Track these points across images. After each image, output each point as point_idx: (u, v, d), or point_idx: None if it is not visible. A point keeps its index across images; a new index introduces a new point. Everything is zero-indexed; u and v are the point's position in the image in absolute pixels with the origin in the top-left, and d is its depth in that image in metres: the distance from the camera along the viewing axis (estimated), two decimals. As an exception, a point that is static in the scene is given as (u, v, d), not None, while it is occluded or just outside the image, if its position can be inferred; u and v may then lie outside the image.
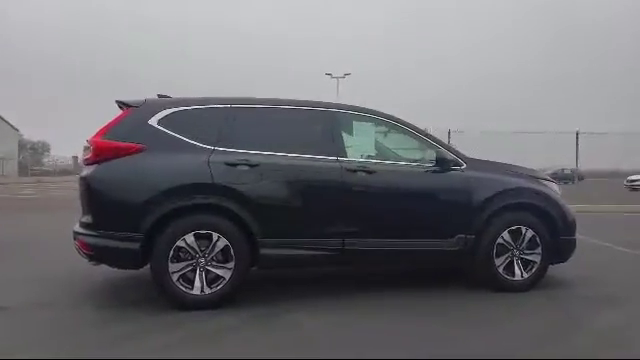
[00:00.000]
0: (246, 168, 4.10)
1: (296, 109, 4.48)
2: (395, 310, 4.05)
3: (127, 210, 3.93)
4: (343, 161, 4.34)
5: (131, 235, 3.89)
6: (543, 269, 4.67)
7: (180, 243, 3.93)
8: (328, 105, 4.56)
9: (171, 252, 3.91)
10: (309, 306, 4.08)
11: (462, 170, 4.60)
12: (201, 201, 4.01)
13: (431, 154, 4.62)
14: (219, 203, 4.02)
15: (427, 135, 4.74)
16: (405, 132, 4.69)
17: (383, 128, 4.74)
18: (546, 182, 5.00)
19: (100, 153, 3.99)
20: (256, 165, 4.13)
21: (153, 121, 4.13)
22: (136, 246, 3.89)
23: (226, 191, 4.03)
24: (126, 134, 4.07)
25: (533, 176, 4.95)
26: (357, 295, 4.44)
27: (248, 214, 4.05)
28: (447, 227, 4.50)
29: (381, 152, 4.75)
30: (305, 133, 4.48)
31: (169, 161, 4.04)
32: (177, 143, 4.10)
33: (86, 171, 4.06)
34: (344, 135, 4.49)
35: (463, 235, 4.50)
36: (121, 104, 4.32)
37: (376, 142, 4.76)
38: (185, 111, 4.24)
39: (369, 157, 4.58)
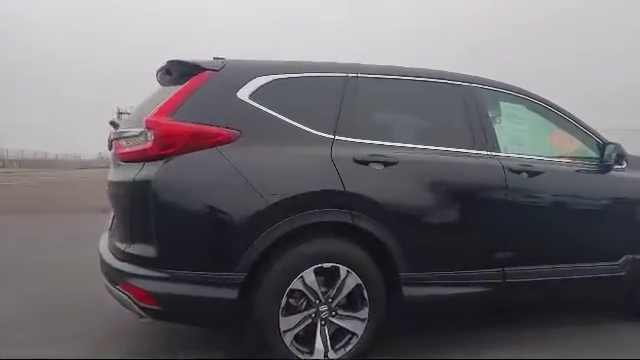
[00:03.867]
0: (380, 167, 2.74)
1: (433, 82, 3.13)
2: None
3: (218, 235, 2.46)
4: (501, 158, 3.09)
5: (225, 276, 2.44)
6: None
7: (296, 284, 2.54)
8: (468, 78, 3.24)
9: (283, 300, 2.51)
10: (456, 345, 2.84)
11: (624, 169, 3.49)
12: (327, 218, 2.61)
13: (591, 148, 3.48)
14: (351, 221, 2.64)
15: (585, 125, 3.56)
16: (562, 120, 3.49)
17: (534, 113, 3.49)
18: None
19: (170, 142, 2.46)
20: (394, 163, 2.77)
21: (243, 94, 2.64)
22: (233, 294, 2.44)
23: (359, 202, 2.65)
24: (205, 113, 2.57)
25: None
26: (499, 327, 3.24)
27: (389, 237, 2.70)
28: (615, 246, 3.40)
29: (540, 145, 3.50)
30: (447, 116, 3.17)
31: (276, 157, 2.59)
32: (281, 128, 2.66)
33: (137, 171, 2.52)
34: (493, 121, 3.23)
35: (631, 256, 3.41)
36: (183, 66, 2.78)
37: (531, 131, 3.51)
38: (287, 81, 2.78)
39: (528, 153, 3.30)
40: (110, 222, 2.97)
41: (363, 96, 2.89)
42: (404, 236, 2.73)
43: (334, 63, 2.97)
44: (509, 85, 3.38)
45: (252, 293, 2.48)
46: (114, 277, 2.58)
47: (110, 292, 2.66)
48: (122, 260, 2.54)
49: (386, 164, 2.75)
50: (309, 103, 2.79)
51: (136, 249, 2.49)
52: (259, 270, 2.48)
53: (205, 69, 2.65)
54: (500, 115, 3.29)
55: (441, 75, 3.16)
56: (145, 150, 2.50)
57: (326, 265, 2.59)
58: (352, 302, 2.68)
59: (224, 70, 2.68)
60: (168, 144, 2.45)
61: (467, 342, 3.13)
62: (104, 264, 2.75)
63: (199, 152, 2.47)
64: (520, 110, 3.40)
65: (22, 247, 6.23)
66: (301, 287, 2.55)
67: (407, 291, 2.76)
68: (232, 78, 2.67)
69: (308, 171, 2.62)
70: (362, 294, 2.67)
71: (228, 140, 2.52)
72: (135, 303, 2.45)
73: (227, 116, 2.58)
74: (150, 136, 2.48)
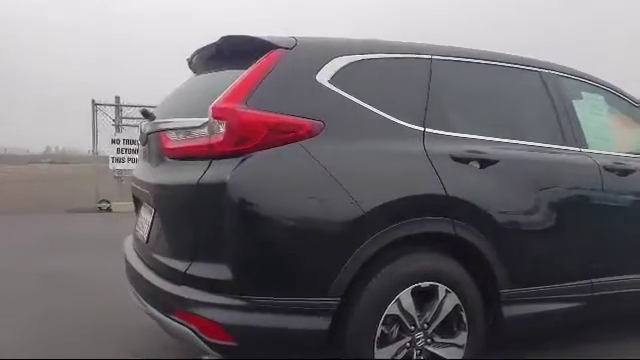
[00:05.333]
0: (477, 166, 2.34)
1: (517, 69, 2.72)
2: None
3: (309, 251, 1.98)
4: (593, 155, 2.74)
5: (318, 302, 1.96)
6: None
7: (392, 309, 2.10)
8: (549, 65, 2.86)
9: (379, 328, 2.06)
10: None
11: None
12: (427, 228, 2.17)
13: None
14: (452, 232, 2.21)
15: None
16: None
17: (613, 104, 3.13)
18: None
19: (247, 136, 1.95)
20: (494, 162, 2.37)
21: (322, 78, 2.16)
22: (325, 324, 1.98)
23: (461, 209, 2.23)
24: (283, 100, 2.07)
25: None
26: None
27: (490, 248, 2.29)
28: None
29: (623, 140, 3.14)
30: (535, 107, 2.77)
31: (366, 154, 2.13)
32: (366, 119, 2.19)
33: (202, 171, 1.99)
34: (577, 113, 2.86)
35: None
36: (245, 43, 2.28)
37: (613, 125, 3.16)
38: (367, 63, 2.30)
39: (614, 149, 2.94)
40: (145, 231, 2.43)
41: (449, 81, 2.47)
42: (504, 247, 2.33)
43: (412, 43, 2.52)
44: (587, 74, 3.03)
45: (342, 322, 2.02)
46: (166, 304, 2.06)
47: (158, 321, 2.14)
48: (179, 283, 2.01)
49: (485, 163, 2.34)
50: (393, 89, 2.34)
51: (202, 270, 1.97)
52: (351, 294, 2.02)
53: (277, 47, 2.16)
54: (582, 107, 2.92)
55: (526, 61, 2.76)
56: (212, 145, 1.99)
57: (424, 284, 2.17)
58: (448, 326, 2.26)
59: (297, 49, 2.18)
60: (245, 138, 1.95)
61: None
62: (145, 284, 2.23)
63: (279, 149, 1.98)
64: (600, 101, 3.05)
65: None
66: (397, 312, 2.11)
67: (507, 310, 2.37)
68: (308, 59, 2.19)
69: (404, 171, 2.18)
70: (460, 316, 2.26)
71: (310, 133, 2.03)
72: (200, 337, 1.93)
73: (307, 104, 2.10)
74: (220, 128, 1.97)
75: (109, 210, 9.72)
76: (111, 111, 10.13)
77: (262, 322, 1.92)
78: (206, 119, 2.02)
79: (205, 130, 2.02)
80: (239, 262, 1.92)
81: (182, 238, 2.09)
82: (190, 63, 2.87)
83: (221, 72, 2.38)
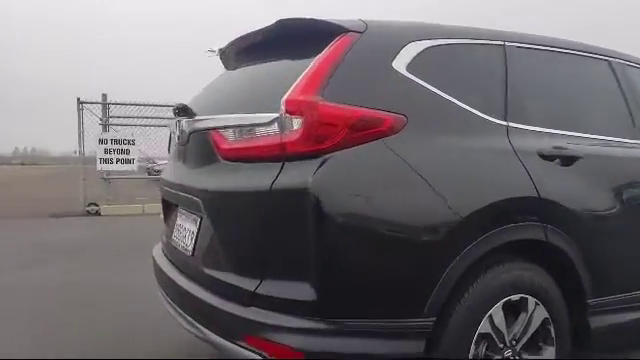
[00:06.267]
0: (561, 164, 2.12)
1: (588, 57, 2.51)
2: None
3: (404, 265, 1.72)
4: None
5: (413, 324, 1.71)
6: None
7: (484, 326, 1.86)
8: (614, 53, 2.65)
9: (471, 349, 1.83)
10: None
11: None
12: (521, 235, 1.94)
13: None
14: (544, 238, 1.99)
15: None
16: None
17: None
18: None
19: (328, 133, 1.68)
20: (577, 158, 2.16)
21: (399, 65, 1.90)
22: (419, 347, 1.72)
23: (552, 212, 2.01)
24: (360, 91, 1.81)
25: None
26: None
27: (578, 255, 2.08)
28: None
29: None
30: (609, 99, 2.56)
31: (454, 152, 1.87)
32: (448, 112, 1.94)
33: (273, 174, 1.71)
34: None
35: None
36: (308, 27, 2.00)
37: None
38: (443, 49, 2.05)
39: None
40: (188, 241, 2.15)
41: (524, 71, 2.23)
42: (592, 252, 2.11)
43: (482, 29, 2.28)
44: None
45: (434, 345, 1.77)
46: (230, 327, 1.78)
47: (215, 346, 1.86)
48: (247, 304, 1.73)
49: (569, 160, 2.13)
50: (470, 78, 2.10)
51: (276, 289, 1.69)
52: (444, 312, 1.78)
53: (348, 30, 1.89)
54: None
55: (595, 49, 2.55)
56: (284, 144, 1.71)
57: (514, 297, 1.94)
58: (535, 342, 2.04)
59: (369, 33, 1.92)
60: (325, 136, 1.67)
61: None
62: (195, 303, 1.95)
63: (362, 147, 1.72)
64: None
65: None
66: (489, 329, 1.88)
67: (594, 321, 2.16)
68: (382, 44, 1.93)
69: (497, 172, 1.95)
70: (548, 330, 2.04)
71: (393, 129, 1.78)
72: (275, 365, 1.65)
73: (386, 95, 1.84)
74: (294, 124, 1.70)
75: (98, 214, 9.29)
76: (98, 110, 9.66)
77: (353, 348, 1.66)
78: (274, 115, 1.74)
79: (274, 127, 1.75)
80: (326, 279, 1.65)
81: (247, 252, 1.80)
82: (223, 54, 2.59)
83: (278, 61, 2.10)
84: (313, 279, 1.64)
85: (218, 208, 1.92)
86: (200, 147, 2.11)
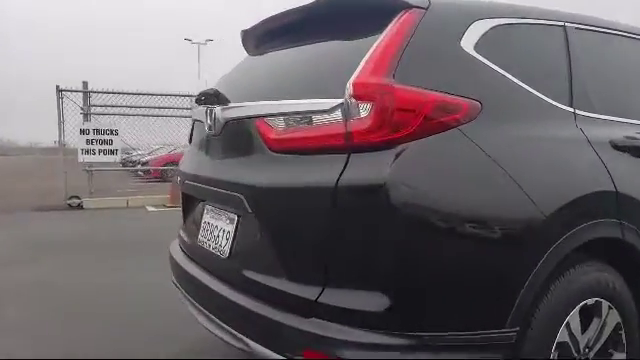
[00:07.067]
0: (632, 155, 1.96)
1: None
2: None
3: (487, 271, 1.52)
4: None
5: (496, 335, 1.52)
6: None
7: (562, 335, 1.69)
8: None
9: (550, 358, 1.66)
10: None
11: None
12: (600, 233, 1.76)
13: None
14: (621, 236, 1.82)
15: None
16: None
17: None
18: None
19: (405, 120, 1.46)
20: None
21: (467, 45, 1.70)
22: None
23: (629, 208, 1.84)
24: (430, 73, 1.60)
25: None
26: None
27: None
28: None
29: None
30: None
31: (531, 142, 1.68)
32: (519, 96, 1.75)
33: (338, 169, 1.48)
34: None
35: None
36: (363, 1, 1.78)
37: None
38: (508, 29, 1.85)
39: None
40: (223, 242, 1.92)
41: (586, 54, 2.06)
42: None
43: (542, 8, 2.09)
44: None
45: (515, 358, 1.59)
46: (285, 340, 1.57)
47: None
48: (306, 315, 1.52)
49: (638, 151, 1.97)
50: (535, 61, 1.91)
51: (341, 298, 1.47)
52: (526, 321, 1.60)
53: (412, 6, 1.67)
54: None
55: None
56: (350, 134, 1.48)
57: (590, 301, 1.77)
58: (605, 348, 1.88)
59: (433, 9, 1.70)
60: (400, 123, 1.46)
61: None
62: (238, 311, 1.73)
63: (439, 137, 1.51)
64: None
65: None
66: (566, 337, 1.71)
67: (663, 325, 2.01)
68: (448, 21, 1.72)
69: (576, 164, 1.77)
70: (619, 336, 1.89)
71: (469, 116, 1.58)
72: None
73: (458, 79, 1.63)
74: (362, 111, 1.48)
75: (80, 207, 8.90)
76: (78, 99, 9.23)
77: None
78: (337, 100, 1.52)
79: (336, 114, 1.53)
80: (404, 288, 1.44)
81: (305, 256, 1.59)
82: (247, 36, 2.36)
83: (329, 41, 1.87)
84: (387, 287, 1.43)
85: (269, 206, 1.68)
86: (240, 137, 1.87)
